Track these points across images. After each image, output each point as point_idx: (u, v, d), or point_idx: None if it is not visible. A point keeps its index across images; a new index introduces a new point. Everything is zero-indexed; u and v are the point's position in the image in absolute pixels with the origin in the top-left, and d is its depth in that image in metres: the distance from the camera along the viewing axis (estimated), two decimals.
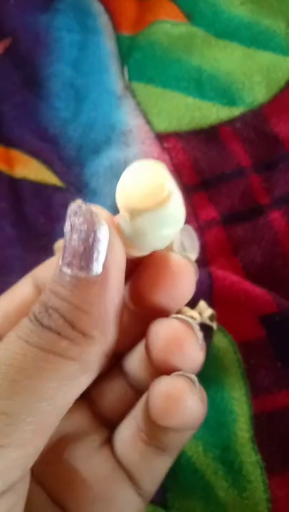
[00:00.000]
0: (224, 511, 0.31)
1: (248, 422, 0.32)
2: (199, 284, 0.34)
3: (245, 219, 0.36)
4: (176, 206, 0.17)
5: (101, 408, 0.22)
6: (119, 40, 0.41)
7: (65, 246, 0.17)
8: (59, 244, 0.34)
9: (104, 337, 0.17)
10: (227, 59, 0.40)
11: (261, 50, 0.40)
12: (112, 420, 0.22)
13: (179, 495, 0.31)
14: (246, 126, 0.38)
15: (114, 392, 0.22)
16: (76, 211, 0.17)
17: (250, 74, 0.39)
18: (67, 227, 0.17)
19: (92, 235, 0.16)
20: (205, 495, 0.31)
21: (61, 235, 0.35)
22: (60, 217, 0.36)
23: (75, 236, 0.17)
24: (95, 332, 0.17)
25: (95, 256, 0.16)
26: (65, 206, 0.36)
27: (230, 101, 0.38)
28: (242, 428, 0.32)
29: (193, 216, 0.36)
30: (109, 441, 0.21)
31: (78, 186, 0.37)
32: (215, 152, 0.37)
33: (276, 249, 0.35)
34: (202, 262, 0.35)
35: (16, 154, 0.37)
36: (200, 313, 0.33)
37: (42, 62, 0.39)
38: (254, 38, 0.41)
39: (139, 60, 0.40)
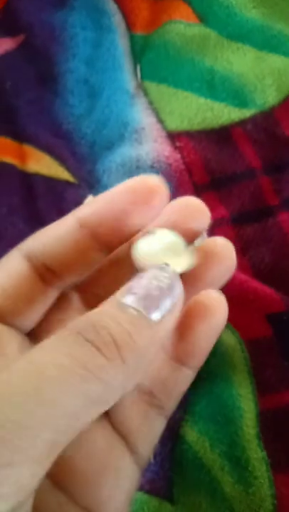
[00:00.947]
0: (230, 507, 0.31)
1: (254, 418, 0.32)
2: None
3: (255, 219, 0.36)
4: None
5: None
6: (132, 40, 0.41)
7: (139, 283, 0.18)
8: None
9: (139, 372, 0.18)
10: (239, 61, 0.40)
11: (273, 54, 0.41)
12: None
13: (185, 490, 0.32)
14: (257, 128, 0.38)
15: None
16: (164, 268, 0.19)
17: (261, 76, 0.40)
18: (150, 273, 0.19)
19: (169, 291, 0.18)
20: (211, 490, 0.31)
21: None
22: None
23: (154, 282, 0.18)
24: (134, 363, 0.17)
25: (161, 306, 0.18)
26: (77, 202, 0.37)
27: (242, 102, 0.39)
28: (248, 424, 0.32)
29: None
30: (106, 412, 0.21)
31: (90, 182, 0.37)
32: (226, 152, 0.38)
33: (285, 249, 0.35)
34: None
35: (29, 149, 0.38)
36: None
37: (57, 58, 0.40)
38: (266, 42, 0.41)
39: (152, 60, 0.40)
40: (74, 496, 0.19)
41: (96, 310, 0.18)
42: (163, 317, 0.18)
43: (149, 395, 0.20)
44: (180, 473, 0.32)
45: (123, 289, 0.18)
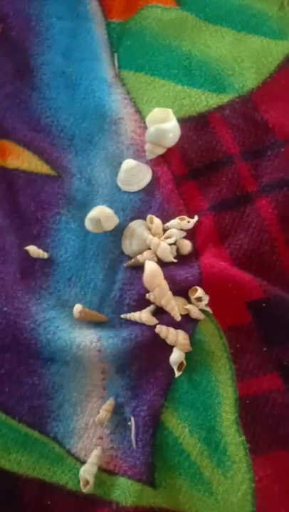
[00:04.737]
0: (209, 490, 0.32)
1: (232, 404, 0.33)
2: (189, 271, 0.35)
3: (233, 206, 0.36)
4: (174, 124, 0.37)
5: None
6: (109, 28, 0.41)
7: None
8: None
9: None
10: (217, 44, 0.40)
11: (252, 35, 0.40)
12: None
13: (166, 474, 0.33)
14: (235, 113, 0.38)
15: None
16: None
17: (240, 59, 0.39)
18: None
19: None
20: (191, 474, 0.32)
21: (52, 221, 0.36)
22: (51, 205, 0.37)
23: None
24: None
25: None
26: (57, 194, 0.37)
27: (220, 87, 0.38)
28: (227, 410, 0.33)
29: (183, 206, 0.36)
30: None
31: (72, 173, 0.37)
32: (204, 140, 0.37)
33: (263, 235, 0.35)
34: (192, 250, 0.36)
35: (9, 145, 0.38)
36: (200, 300, 0.34)
37: (33, 50, 0.39)
38: (245, 22, 0.40)
39: (129, 48, 0.40)
40: None
41: None
42: None
43: None
44: (161, 458, 0.33)
45: None
